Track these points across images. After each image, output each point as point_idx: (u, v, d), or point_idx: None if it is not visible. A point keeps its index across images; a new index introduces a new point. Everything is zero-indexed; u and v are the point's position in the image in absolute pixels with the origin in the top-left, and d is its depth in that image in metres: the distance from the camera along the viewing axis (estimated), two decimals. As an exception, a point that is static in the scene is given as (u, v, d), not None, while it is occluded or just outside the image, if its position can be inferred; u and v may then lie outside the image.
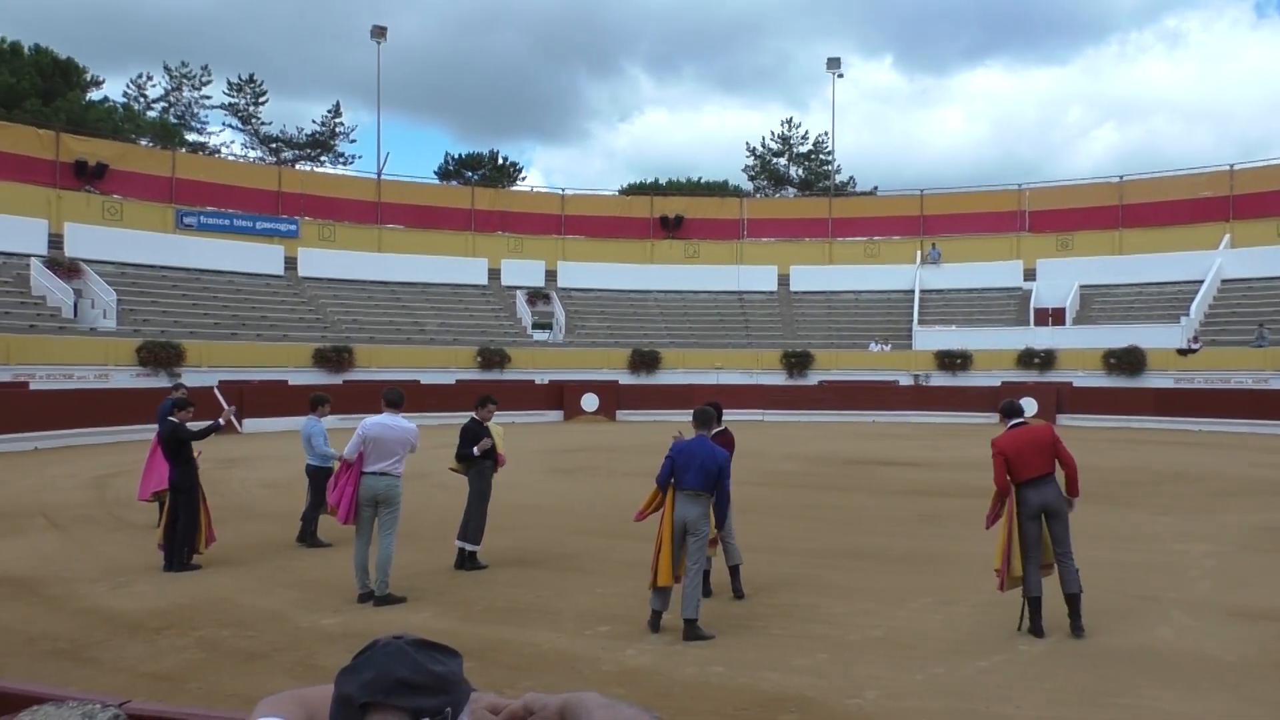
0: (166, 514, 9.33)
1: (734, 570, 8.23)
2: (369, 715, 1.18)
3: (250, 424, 25.82)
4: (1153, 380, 29.68)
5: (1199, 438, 24.95)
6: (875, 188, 55.15)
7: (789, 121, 58.38)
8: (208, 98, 52.07)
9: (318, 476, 10.47)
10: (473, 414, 9.49)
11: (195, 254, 33.18)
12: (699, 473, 7.02)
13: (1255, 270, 33.75)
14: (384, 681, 1.19)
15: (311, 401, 11.10)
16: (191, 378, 26.18)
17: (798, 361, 33.58)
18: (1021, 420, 7.66)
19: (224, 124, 53.07)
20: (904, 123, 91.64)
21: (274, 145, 53.42)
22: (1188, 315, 31.77)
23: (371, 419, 8.20)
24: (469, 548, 9.26)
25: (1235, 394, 27.90)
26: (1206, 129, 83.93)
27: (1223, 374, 28.82)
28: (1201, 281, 33.63)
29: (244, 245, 34.78)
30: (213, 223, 34.89)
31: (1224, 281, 34.06)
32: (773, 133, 58.40)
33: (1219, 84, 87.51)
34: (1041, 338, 32.95)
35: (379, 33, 40.95)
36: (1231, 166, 37.16)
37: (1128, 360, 30.17)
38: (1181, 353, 29.97)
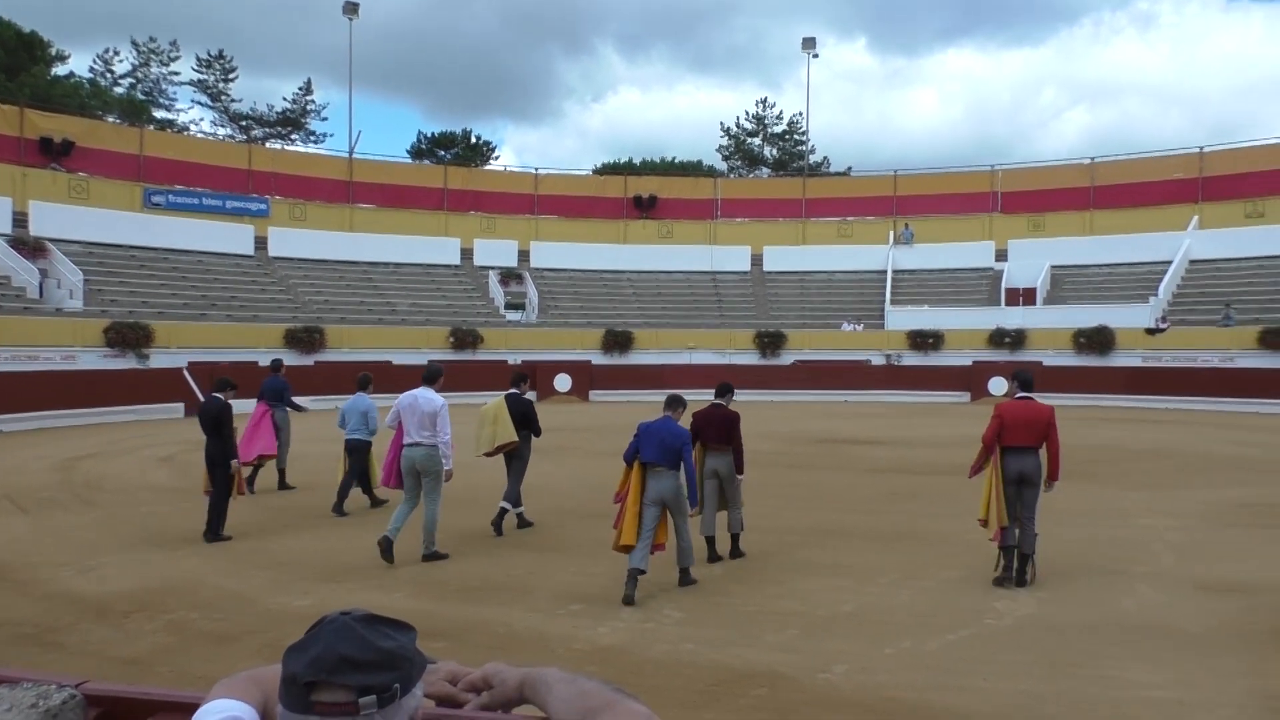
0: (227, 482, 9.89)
1: (734, 537, 8.93)
2: (314, 694, 1.16)
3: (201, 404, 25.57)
4: (1122, 359, 30.05)
5: (1166, 416, 25.28)
6: (849, 168, 55.25)
7: (763, 102, 58.28)
8: (176, 74, 51.32)
9: (361, 450, 11.44)
10: (513, 389, 10.33)
11: (164, 233, 32.72)
12: (659, 449, 7.67)
13: (1223, 251, 34.17)
14: (328, 659, 1.16)
15: (361, 381, 12.03)
16: (160, 359, 25.94)
17: (771, 341, 33.69)
18: (1029, 394, 8.23)
19: (193, 101, 52.42)
20: (878, 103, 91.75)
21: (244, 123, 52.76)
22: (1156, 295, 32.14)
23: (408, 392, 9.01)
24: (516, 508, 10.17)
25: (1202, 373, 28.29)
26: (1178, 111, 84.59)
27: (1190, 353, 29.21)
28: (1170, 262, 34.00)
29: (213, 224, 34.35)
30: (182, 201, 34.42)
31: (1192, 262, 34.46)
32: (747, 113, 58.44)
33: (1190, 67, 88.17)
34: (1012, 318, 33.23)
35: (351, 9, 40.41)
36: (1201, 149, 37.52)
37: (1097, 340, 30.51)
38: (1150, 332, 30.32)
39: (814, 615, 6.91)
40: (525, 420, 10.14)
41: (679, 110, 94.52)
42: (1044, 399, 8.47)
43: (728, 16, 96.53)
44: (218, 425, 9.92)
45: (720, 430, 8.75)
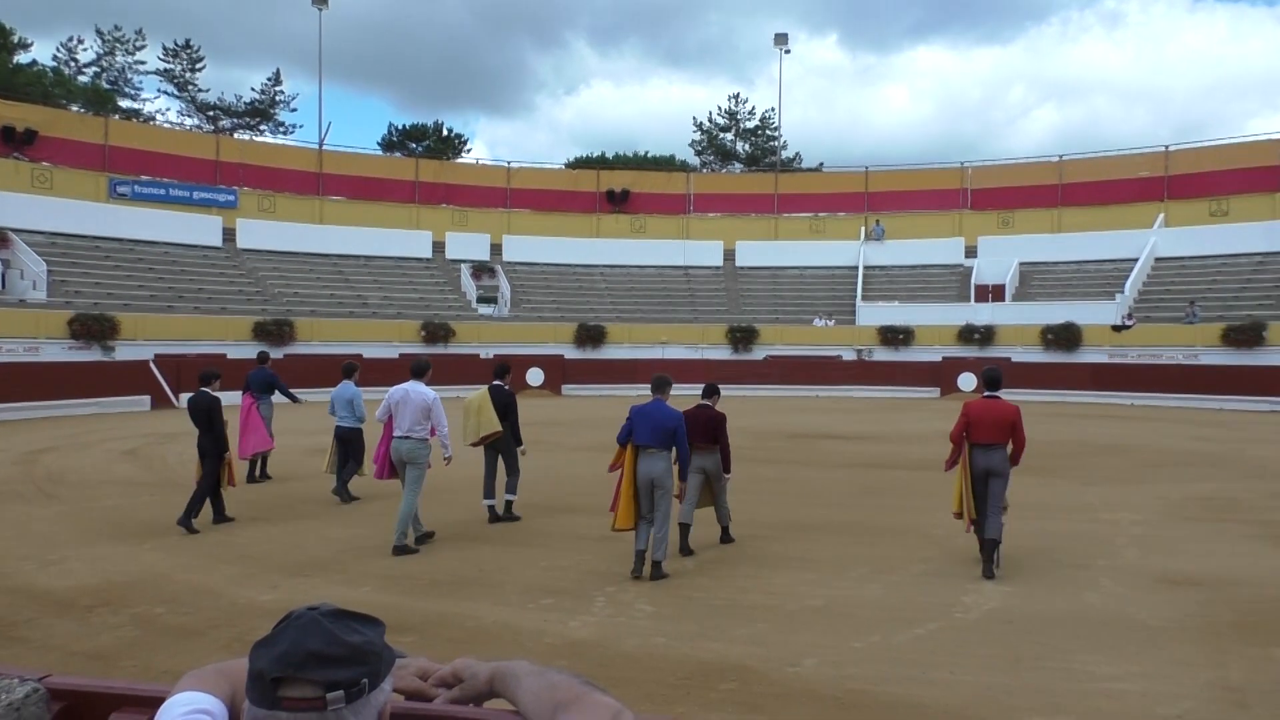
0: (217, 473, 10.04)
1: (724, 528, 9.26)
2: (282, 689, 1.15)
3: (188, 398, 25.30)
4: (1088, 356, 30.42)
5: (1131, 411, 25.64)
6: (821, 164, 55.41)
7: (736, 97, 58.38)
8: (142, 63, 50.60)
9: (351, 437, 11.63)
10: (497, 382, 10.51)
11: (129, 224, 32.28)
12: (653, 431, 7.96)
13: (1188, 249, 34.65)
14: (295, 654, 1.16)
15: (346, 369, 12.21)
16: (126, 351, 25.61)
17: (743, 336, 33.79)
18: (996, 393, 8.47)
19: (159, 91, 51.57)
20: (849, 100, 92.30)
21: (211, 113, 52.11)
22: (1122, 293, 32.55)
23: (398, 386, 9.17)
24: (511, 495, 10.43)
25: (1167, 369, 28.69)
26: (1144, 110, 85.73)
27: (1155, 350, 29.62)
28: (1136, 260, 34.43)
29: (180, 215, 33.93)
30: (147, 192, 33.96)
31: (1158, 260, 34.92)
32: (719, 108, 58.52)
33: (1156, 65, 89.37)
34: (982, 314, 33.54)
35: (321, 0, 40.03)
36: (1167, 148, 37.99)
37: (1064, 336, 30.86)
38: (1116, 329, 30.71)
39: (784, 609, 6.95)
40: (505, 412, 10.29)
41: (651, 104, 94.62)
42: (1012, 395, 8.66)
43: (699, 11, 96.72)
44: (210, 419, 10.04)
45: (706, 430, 8.95)
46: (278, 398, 13.64)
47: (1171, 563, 8.36)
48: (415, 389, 9.09)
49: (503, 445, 10.41)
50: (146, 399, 24.66)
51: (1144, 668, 5.76)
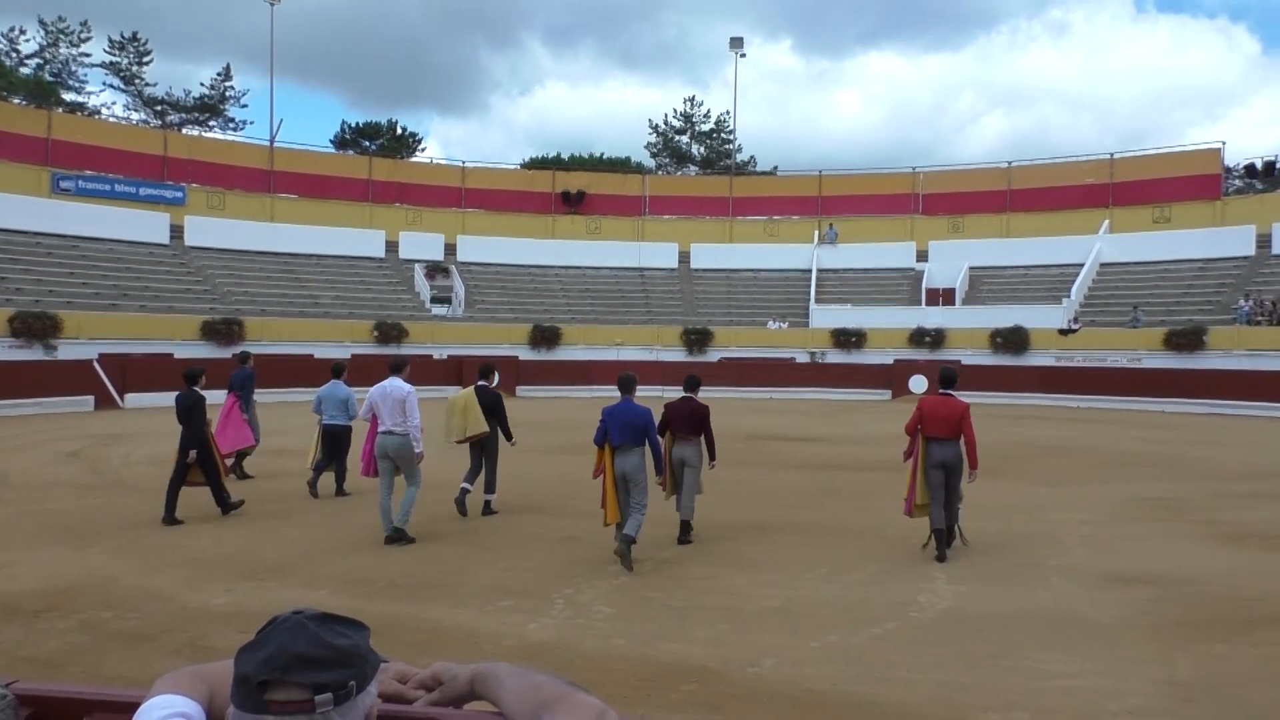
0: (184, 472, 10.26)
1: (684, 524, 9.31)
2: (268, 693, 1.14)
3: (133, 399, 24.81)
4: (1036, 359, 30.98)
5: (1078, 413, 26.16)
6: (775, 168, 55.87)
7: (691, 100, 58.44)
8: (87, 55, 49.48)
9: (341, 435, 11.81)
10: (481, 382, 10.81)
11: (73, 220, 31.56)
12: (624, 430, 8.39)
13: (1131, 255, 35.46)
14: (282, 657, 1.15)
15: (335, 369, 12.27)
16: (69, 350, 25.05)
17: (698, 338, 33.93)
18: (949, 391, 9.03)
19: (105, 84, 50.71)
20: (802, 104, 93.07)
21: (159, 108, 51.11)
22: (1069, 297, 33.20)
23: (377, 385, 9.43)
24: (489, 494, 10.69)
25: (1112, 372, 29.32)
26: (1090, 118, 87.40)
27: (1100, 353, 30.25)
28: (1082, 265, 35.16)
29: (126, 212, 33.27)
30: (92, 187, 33.25)
31: (1103, 265, 35.68)
32: (675, 110, 58.68)
33: (1101, 75, 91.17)
34: (932, 317, 34.02)
35: (272, -6, 39.47)
36: (1112, 155, 38.90)
37: (1013, 340, 31.41)
38: (1063, 333, 31.32)
39: (743, 610, 6.98)
40: (493, 410, 10.61)
41: (607, 106, 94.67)
42: (962, 397, 8.93)
43: (655, 13, 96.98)
44: (189, 415, 10.27)
45: (690, 422, 9.30)
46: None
47: (1120, 562, 8.53)
48: (393, 384, 9.32)
49: (487, 444, 10.68)
50: (90, 399, 24.13)
51: (1094, 664, 5.87)
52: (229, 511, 10.32)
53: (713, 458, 9.46)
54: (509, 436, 10.95)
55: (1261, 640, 6.32)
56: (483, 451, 10.73)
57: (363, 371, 27.16)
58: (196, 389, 10.47)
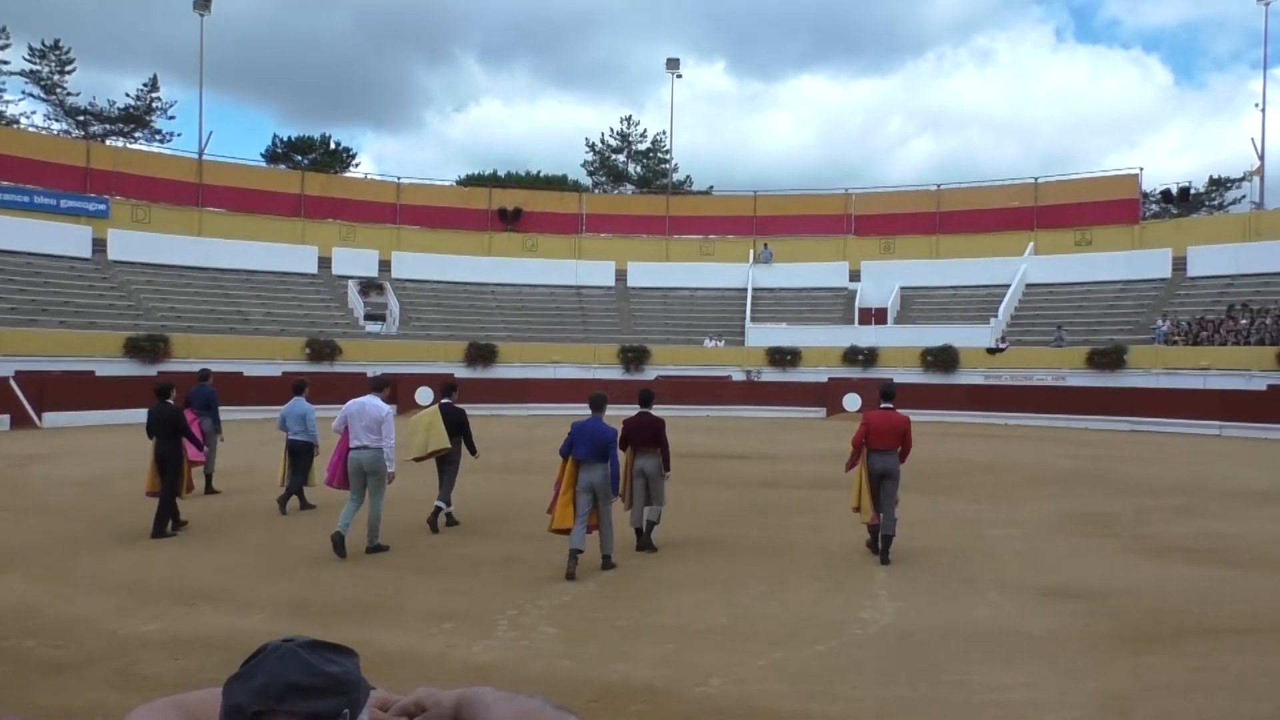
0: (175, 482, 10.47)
1: (649, 525, 9.79)
2: None
3: (51, 418, 23.97)
4: (965, 377, 31.63)
5: (1005, 431, 26.76)
6: (711, 187, 56.38)
7: (628, 119, 58.72)
8: (5, 63, 47.83)
9: (306, 451, 12.05)
10: (445, 400, 11.14)
11: (-12, 233, 30.47)
12: (590, 445, 8.71)
13: (1055, 276, 36.51)
14: (275, 687, 1.11)
15: (296, 386, 12.68)
16: (-17, 367, 24.10)
17: (635, 356, 33.97)
18: (890, 405, 9.73)
19: (24, 93, 48.85)
20: (736, 125, 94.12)
21: (82, 118, 49.68)
22: (996, 317, 34.03)
23: (354, 400, 9.64)
24: (447, 507, 10.91)
25: (1037, 390, 30.08)
26: (1013, 142, 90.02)
27: (1026, 372, 31.01)
28: (1009, 285, 36.07)
29: (46, 224, 32.21)
30: (9, 199, 32.13)
31: (1028, 286, 36.66)
32: (612, 129, 58.85)
33: (1023, 101, 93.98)
34: (865, 336, 34.55)
35: (202, 4, 38.70)
36: (1036, 180, 40.00)
37: (943, 358, 32.04)
38: (990, 351, 32.05)
39: (688, 629, 6.97)
40: (458, 427, 10.90)
41: (542, 124, 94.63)
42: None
43: (589, 33, 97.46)
44: (175, 428, 10.46)
45: (649, 435, 9.68)
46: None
47: (1053, 576, 8.73)
48: (371, 402, 9.56)
49: (448, 459, 10.92)
50: (6, 419, 23.25)
51: (1032, 678, 5.98)
52: (160, 534, 10.11)
53: (667, 468, 9.77)
54: (473, 451, 11.18)
55: (1191, 651, 6.51)
56: (444, 465, 10.99)
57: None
58: (170, 401, 10.67)
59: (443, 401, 11.10)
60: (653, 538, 9.83)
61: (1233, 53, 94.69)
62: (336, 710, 1.13)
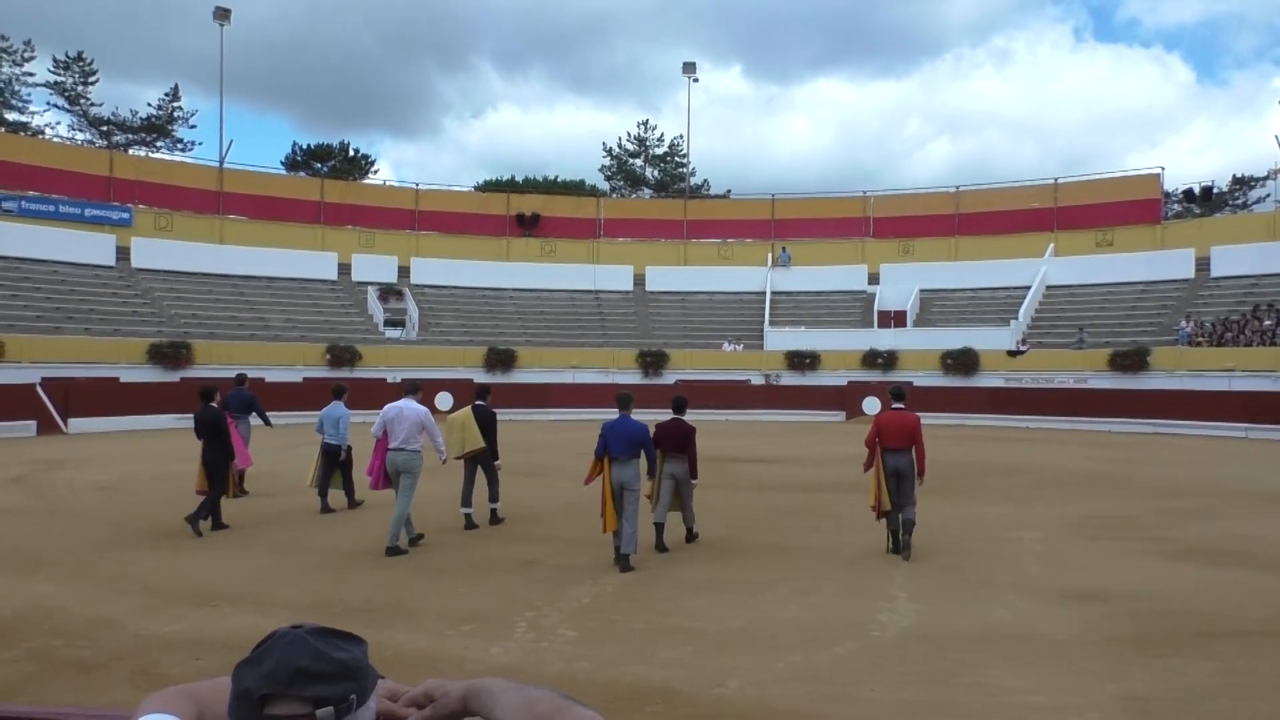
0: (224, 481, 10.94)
1: (690, 531, 10.36)
2: (269, 707, 1.13)
3: (77, 423, 24.24)
4: (985, 380, 31.46)
5: (1027, 434, 26.59)
6: (728, 191, 56.34)
7: (645, 123, 58.85)
8: (30, 74, 48.48)
9: (335, 454, 12.46)
10: (479, 402, 11.50)
11: (14, 241, 30.85)
12: (623, 443, 9.16)
13: (1076, 277, 36.25)
14: (283, 671, 1.14)
15: (336, 391, 12.99)
16: (9, 373, 24.42)
17: (653, 361, 33.97)
18: (901, 405, 10.07)
19: (49, 104, 49.44)
20: (753, 128, 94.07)
21: (105, 128, 50.22)
22: (1017, 319, 33.81)
23: (392, 404, 10.18)
24: (496, 506, 11.49)
25: (1058, 393, 29.86)
26: (1032, 143, 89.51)
27: (1047, 374, 30.80)
28: (1029, 287, 35.84)
29: (71, 233, 32.61)
30: (35, 208, 32.55)
31: (1049, 288, 36.41)
32: (629, 134, 58.96)
33: (1043, 101, 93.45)
34: (884, 339, 34.42)
35: (222, 15, 39.07)
36: (1055, 180, 39.75)
37: (963, 361, 31.88)
38: (1011, 354, 31.86)
39: (705, 631, 6.98)
40: (486, 427, 11.24)
41: (558, 129, 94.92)
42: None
43: (605, 38, 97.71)
44: (216, 430, 10.80)
45: (679, 441, 10.04)
46: (255, 418, 14.67)
47: (1074, 579, 8.67)
48: (409, 406, 10.09)
49: (484, 459, 11.34)
50: (32, 424, 23.53)
51: (1052, 681, 5.95)
52: (196, 525, 10.47)
53: (694, 475, 10.10)
54: (495, 456, 11.43)
55: (1214, 654, 6.46)
56: (479, 466, 11.37)
57: (314, 396, 26.90)
58: (214, 405, 11.05)
59: (476, 404, 11.47)
60: (697, 532, 10.41)
61: (1256, 50, 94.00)
62: (344, 696, 1.16)
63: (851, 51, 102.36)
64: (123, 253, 33.69)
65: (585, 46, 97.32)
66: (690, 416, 10.56)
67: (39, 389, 24.06)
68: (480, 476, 11.42)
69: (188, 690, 1.32)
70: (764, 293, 39.29)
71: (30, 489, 14.27)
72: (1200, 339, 30.10)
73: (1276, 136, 37.20)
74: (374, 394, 29.79)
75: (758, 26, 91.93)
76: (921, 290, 37.77)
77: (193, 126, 71.94)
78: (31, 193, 32.95)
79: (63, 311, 29.13)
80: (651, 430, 9.90)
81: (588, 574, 8.77)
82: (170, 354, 27.96)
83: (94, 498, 13.42)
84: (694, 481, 10.14)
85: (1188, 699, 5.62)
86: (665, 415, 10.45)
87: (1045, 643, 6.73)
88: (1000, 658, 6.38)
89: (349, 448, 12.56)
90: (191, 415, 11.27)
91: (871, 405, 30.22)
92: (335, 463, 12.47)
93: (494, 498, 11.49)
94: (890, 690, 5.76)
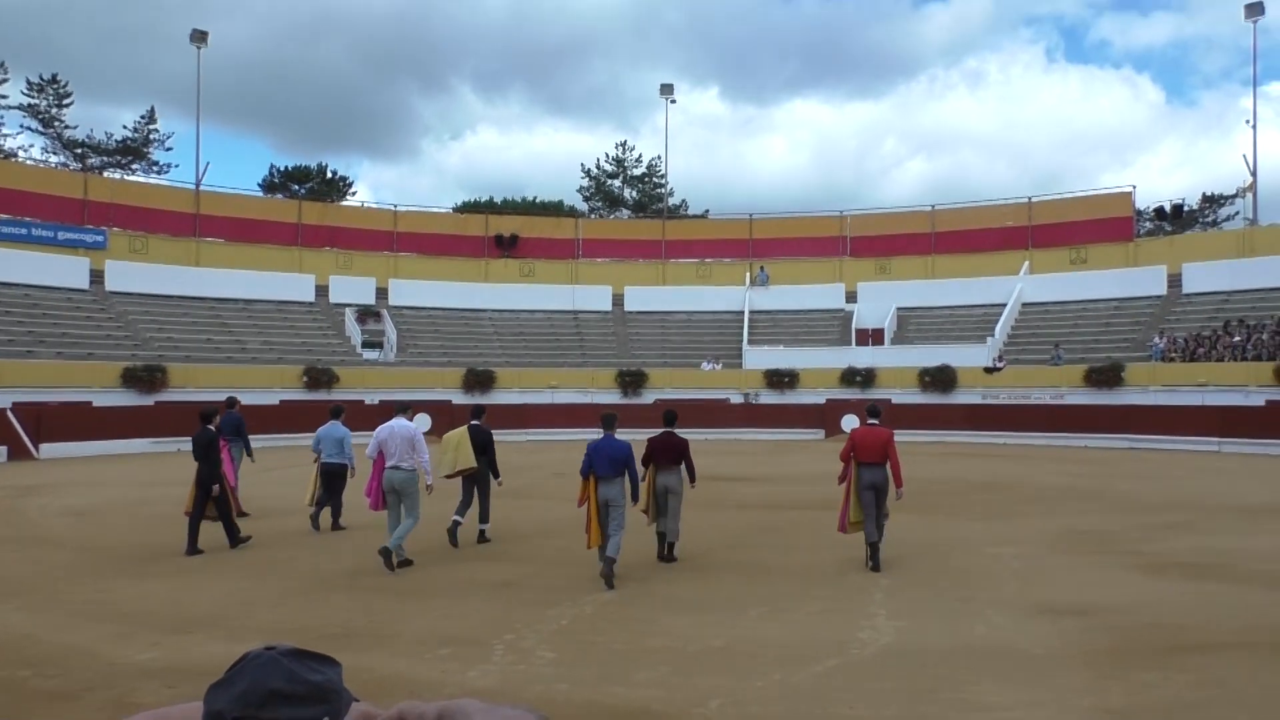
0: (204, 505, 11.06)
1: (670, 544, 10.39)
2: None
3: (49, 448, 23.94)
4: (963, 396, 31.63)
5: (1004, 450, 26.73)
6: (706, 211, 56.58)
7: (623, 144, 59.08)
8: (3, 97, 48.15)
9: (341, 474, 12.64)
10: (474, 422, 11.68)
11: (-13, 265, 30.53)
12: (607, 462, 9.38)
13: (1051, 295, 36.60)
14: (256, 693, 1.13)
15: (334, 411, 13.13)
16: (-19, 399, 24.08)
17: (632, 380, 33.96)
18: (876, 421, 10.38)
19: (22, 126, 49.12)
20: (731, 149, 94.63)
21: (79, 151, 49.90)
22: (993, 336, 34.07)
23: (384, 425, 10.34)
24: (485, 527, 11.61)
25: (1035, 409, 30.06)
26: (1006, 162, 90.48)
27: (1024, 390, 31.01)
28: (1005, 305, 36.15)
29: (43, 256, 32.30)
30: (7, 231, 32.25)
31: (1024, 305, 36.73)
32: (607, 154, 59.22)
33: (1016, 121, 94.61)
34: (862, 357, 34.57)
35: (199, 37, 38.99)
36: (1030, 199, 40.21)
37: (940, 378, 32.05)
38: (988, 371, 32.07)
39: (685, 651, 6.95)
40: (484, 448, 11.43)
41: (537, 151, 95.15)
42: (894, 435, 9.82)
43: (583, 60, 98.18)
44: (206, 452, 10.94)
45: (672, 453, 10.35)
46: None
47: (1051, 593, 8.71)
48: (400, 424, 10.28)
49: (478, 478, 11.50)
50: (2, 450, 23.22)
51: (1031, 695, 5.96)
52: (237, 545, 11.06)
53: (693, 481, 10.51)
54: (495, 474, 11.63)
55: (1190, 667, 6.49)
56: (475, 485, 11.54)
57: (291, 418, 26.71)
58: (211, 427, 11.14)
59: (472, 423, 11.63)
60: (676, 555, 10.45)
61: (1223, 70, 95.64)
62: (317, 718, 1.15)
63: (828, 73, 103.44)
64: (97, 276, 33.41)
65: (564, 68, 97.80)
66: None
67: (10, 414, 23.77)
68: (477, 496, 11.61)
69: (163, 714, 1.31)
70: (742, 312, 39.42)
71: (1, 516, 14.06)
72: (1173, 355, 30.42)
73: (1244, 156, 37.77)
74: (352, 415, 29.61)
75: (735, 48, 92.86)
76: (899, 308, 38.01)
77: (169, 149, 71.49)
78: (3, 216, 32.64)
79: (35, 335, 28.83)
80: (643, 445, 10.29)
81: (566, 595, 8.72)
82: (145, 378, 27.69)
83: (66, 523, 13.24)
84: (693, 485, 10.48)
85: (1165, 712, 5.65)
86: (646, 434, 10.53)
87: (1024, 658, 6.76)
88: (979, 673, 6.39)
89: (354, 468, 12.74)
90: (178, 438, 11.59)
91: (850, 423, 30.25)
92: (337, 483, 12.60)
93: (484, 518, 11.60)
94: (871, 708, 5.75)
